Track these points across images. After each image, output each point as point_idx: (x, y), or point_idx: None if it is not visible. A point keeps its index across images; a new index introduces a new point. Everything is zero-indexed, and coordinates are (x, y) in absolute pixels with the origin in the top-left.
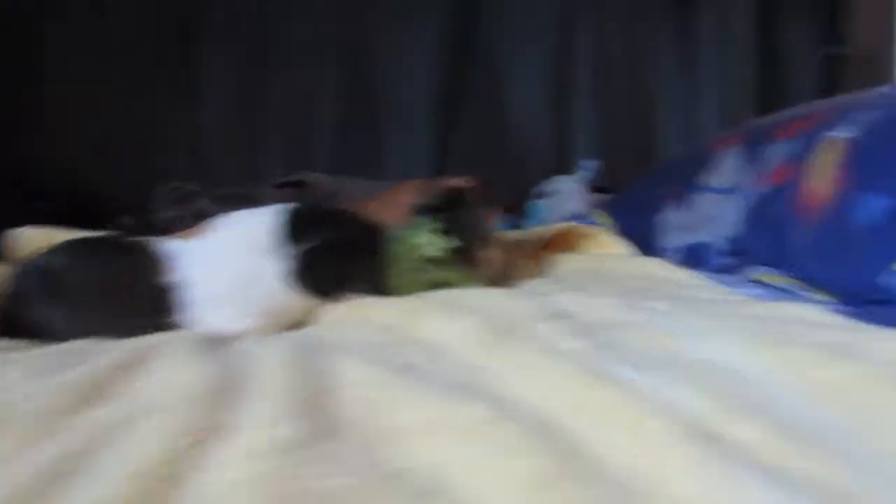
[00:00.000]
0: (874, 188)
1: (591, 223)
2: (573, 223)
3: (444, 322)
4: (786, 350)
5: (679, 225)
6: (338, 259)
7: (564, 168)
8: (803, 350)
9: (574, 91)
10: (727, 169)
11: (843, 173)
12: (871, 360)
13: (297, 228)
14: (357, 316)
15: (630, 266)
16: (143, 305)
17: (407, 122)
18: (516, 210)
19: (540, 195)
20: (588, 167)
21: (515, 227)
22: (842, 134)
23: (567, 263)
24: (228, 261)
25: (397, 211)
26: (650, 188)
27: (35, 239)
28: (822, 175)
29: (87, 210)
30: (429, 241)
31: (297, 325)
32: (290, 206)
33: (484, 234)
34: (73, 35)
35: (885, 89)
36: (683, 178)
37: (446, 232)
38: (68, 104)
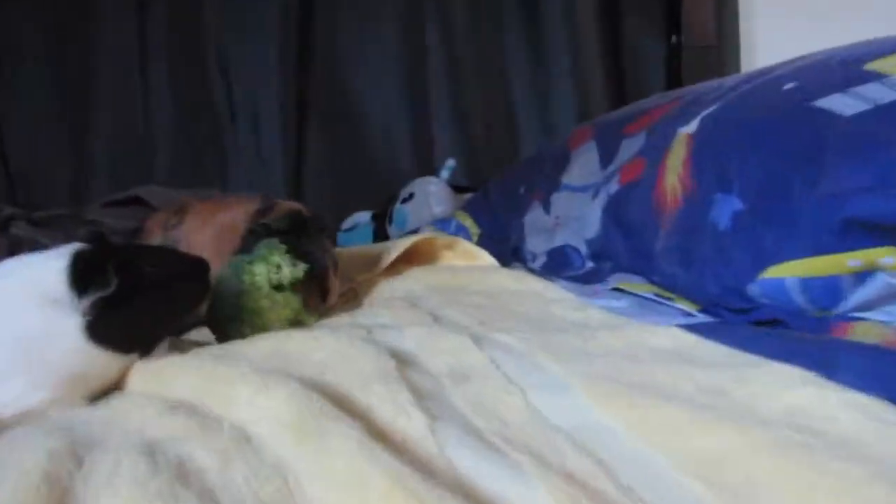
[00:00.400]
0: (723, 188)
1: (456, 226)
2: (429, 234)
3: (257, 396)
4: (655, 410)
5: (543, 227)
6: (144, 303)
7: (427, 168)
8: (679, 408)
9: (428, 89)
10: (583, 165)
11: (690, 171)
12: (756, 419)
13: (90, 271)
14: (152, 384)
15: (485, 280)
16: None
17: (254, 131)
18: (383, 216)
19: (404, 199)
20: (450, 166)
21: (380, 235)
22: (687, 129)
23: (419, 280)
24: (9, 315)
25: (224, 234)
26: (512, 187)
27: None
28: (673, 172)
29: None
30: (274, 268)
31: (110, 388)
32: (79, 245)
33: (333, 260)
34: None
35: (724, 80)
36: (544, 177)
37: (296, 257)
38: None
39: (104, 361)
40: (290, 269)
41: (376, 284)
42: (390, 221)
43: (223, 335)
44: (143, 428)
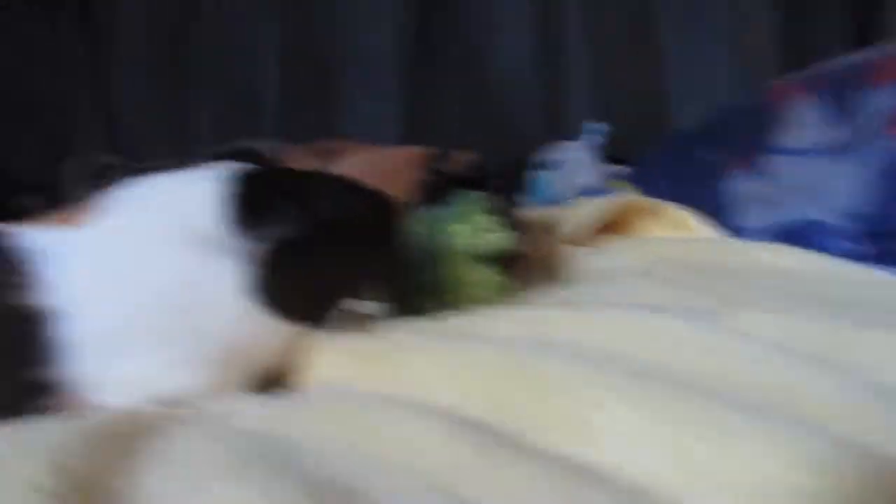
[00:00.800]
0: None
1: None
2: (632, 197)
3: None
4: None
5: (757, 197)
6: (328, 254)
7: (557, 133)
8: None
9: (565, 43)
10: (804, 125)
11: None
12: None
13: (258, 204)
14: (350, 375)
15: (741, 255)
16: None
17: (366, 80)
18: (508, 184)
19: (542, 166)
20: (596, 131)
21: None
22: None
23: (631, 253)
24: (143, 264)
25: (391, 182)
26: (690, 153)
27: None
28: None
29: None
30: (478, 232)
31: (271, 375)
32: (243, 167)
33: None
34: None
35: None
36: (747, 138)
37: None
38: None
39: (270, 331)
40: (496, 236)
41: (563, 255)
42: (522, 190)
43: (397, 307)
44: (433, 467)
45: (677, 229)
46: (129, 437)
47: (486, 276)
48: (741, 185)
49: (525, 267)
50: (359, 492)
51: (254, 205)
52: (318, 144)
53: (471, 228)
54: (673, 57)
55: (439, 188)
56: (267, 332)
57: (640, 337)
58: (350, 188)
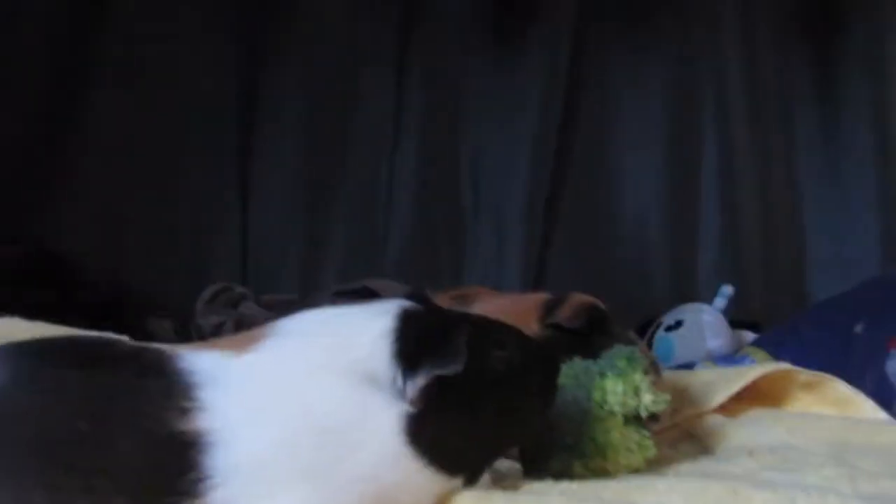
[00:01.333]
0: None
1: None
2: (786, 365)
3: None
4: None
5: None
6: (493, 404)
7: (687, 293)
8: None
9: (698, 202)
10: None
11: None
12: None
13: (419, 341)
14: None
15: None
16: (133, 474)
17: (496, 229)
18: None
19: (668, 326)
20: (727, 293)
21: None
22: None
23: (788, 429)
24: (302, 395)
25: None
26: (839, 323)
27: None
28: None
29: (118, 307)
30: (632, 391)
31: None
32: (405, 303)
33: (656, 370)
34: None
35: None
36: None
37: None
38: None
39: (421, 482)
40: (651, 398)
41: (714, 426)
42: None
43: (536, 466)
44: None
45: (838, 407)
46: None
47: (639, 440)
48: None
49: (671, 434)
50: None
51: (417, 344)
52: (453, 290)
53: (626, 387)
54: (812, 223)
55: (553, 338)
56: (415, 480)
57: None
58: (520, 337)
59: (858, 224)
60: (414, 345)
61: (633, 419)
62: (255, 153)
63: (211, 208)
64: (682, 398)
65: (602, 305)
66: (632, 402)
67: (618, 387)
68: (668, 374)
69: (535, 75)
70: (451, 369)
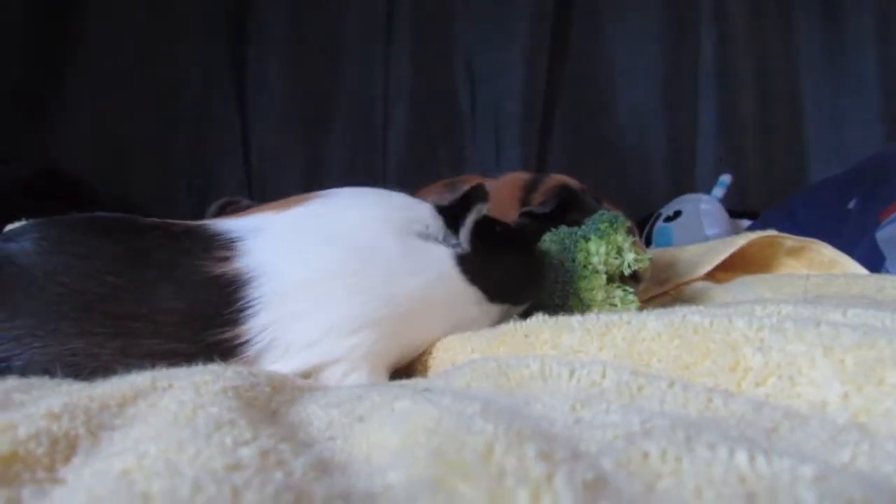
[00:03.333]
0: None
1: None
2: (772, 232)
3: None
4: None
5: None
6: (507, 243)
7: (687, 184)
8: None
9: (695, 91)
10: None
11: None
12: None
13: (454, 206)
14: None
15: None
16: (167, 315)
17: (493, 130)
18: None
19: (668, 217)
20: (725, 183)
21: None
22: None
23: (771, 288)
24: (356, 233)
25: (504, 209)
26: (832, 202)
27: None
28: None
29: None
30: (614, 250)
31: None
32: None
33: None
34: (105, 33)
35: None
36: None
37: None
38: (103, 106)
39: (484, 310)
40: (633, 257)
41: (702, 290)
42: (648, 242)
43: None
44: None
45: (824, 269)
46: (292, 387)
47: (622, 295)
48: (893, 233)
49: (661, 300)
50: (514, 408)
51: (451, 208)
52: (445, 180)
53: (609, 247)
54: (811, 108)
55: (528, 224)
56: (477, 307)
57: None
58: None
59: (858, 105)
60: (453, 211)
61: (618, 277)
62: (249, 70)
63: (210, 128)
64: (673, 269)
65: (572, 183)
66: (615, 261)
67: (600, 248)
68: (662, 250)
69: None
70: (484, 204)
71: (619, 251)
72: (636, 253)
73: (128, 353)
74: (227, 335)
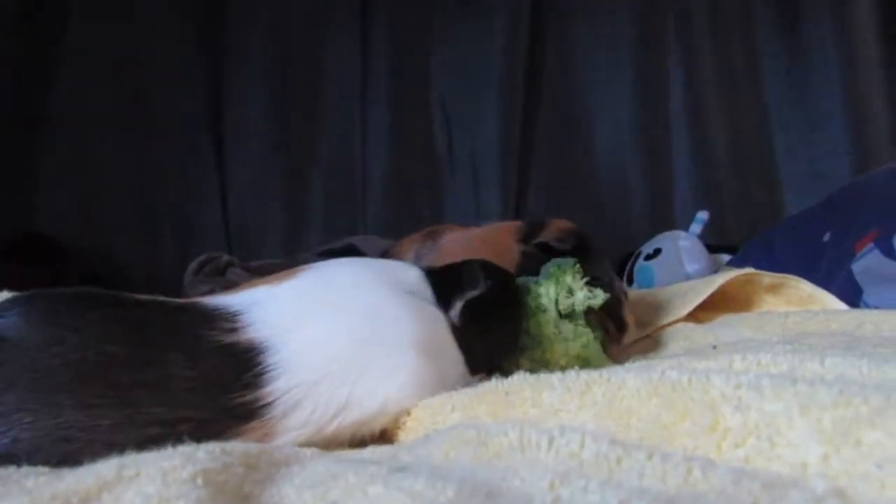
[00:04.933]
0: None
1: None
2: (749, 269)
3: None
4: None
5: (890, 276)
6: (494, 318)
7: (665, 222)
8: None
9: (668, 131)
10: None
11: None
12: None
13: (447, 276)
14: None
15: (884, 322)
16: (186, 380)
17: (471, 173)
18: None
19: (648, 255)
20: (702, 219)
21: None
22: None
23: (753, 328)
24: (354, 295)
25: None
26: (808, 235)
27: None
28: None
29: (108, 284)
30: (564, 291)
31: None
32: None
33: (622, 289)
34: (78, 85)
35: None
36: (867, 218)
37: (588, 281)
38: (78, 160)
39: (461, 375)
40: (583, 294)
41: (683, 332)
42: (630, 281)
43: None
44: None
45: (803, 305)
46: (268, 463)
47: (574, 330)
48: (869, 264)
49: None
50: (491, 486)
51: (443, 279)
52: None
53: (558, 288)
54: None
55: (539, 258)
56: (460, 373)
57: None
58: (496, 268)
59: (827, 137)
60: (443, 280)
61: (572, 316)
62: (227, 121)
63: (188, 180)
64: (655, 311)
65: (579, 229)
66: (566, 300)
67: (549, 289)
68: (643, 292)
69: (500, 13)
70: (473, 291)
71: (570, 291)
72: (589, 291)
73: (133, 423)
74: (248, 398)
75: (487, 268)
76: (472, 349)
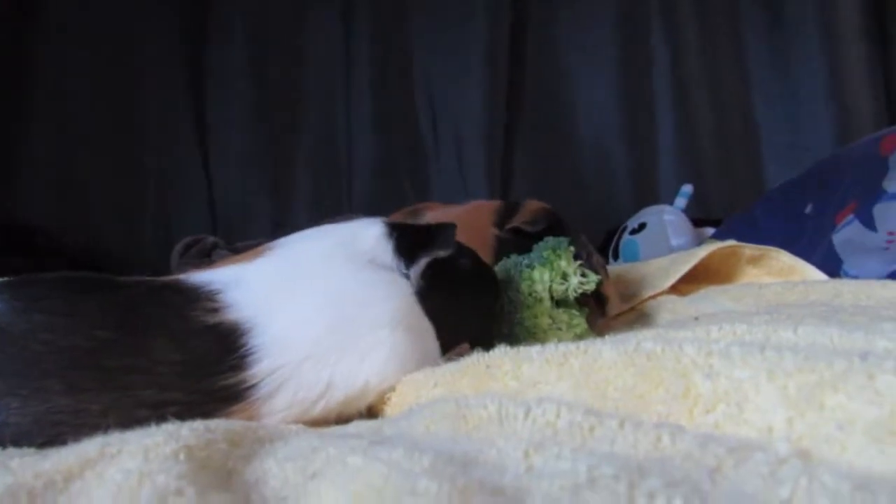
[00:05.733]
0: None
1: None
2: (731, 242)
3: None
4: None
5: (871, 246)
6: (461, 291)
7: (649, 197)
8: None
9: (652, 107)
10: None
11: None
12: None
13: (412, 238)
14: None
15: (862, 292)
16: (173, 363)
17: (456, 155)
18: (602, 250)
19: (633, 229)
20: (687, 193)
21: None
22: None
23: (734, 299)
24: (324, 273)
25: (474, 238)
26: (790, 207)
27: None
28: None
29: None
30: (559, 277)
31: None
32: (375, 219)
33: (602, 265)
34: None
35: None
36: (847, 189)
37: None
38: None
39: (434, 344)
40: (577, 281)
41: (666, 304)
42: (616, 256)
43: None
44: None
45: (783, 276)
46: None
47: (568, 319)
48: (849, 235)
49: (627, 316)
50: (467, 457)
51: (416, 239)
52: (406, 208)
53: (553, 274)
54: (764, 115)
55: (511, 242)
56: (433, 343)
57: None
58: (469, 250)
59: (810, 111)
60: (409, 240)
61: (564, 301)
62: (210, 105)
63: (172, 167)
64: (638, 284)
65: (553, 210)
66: (560, 287)
67: (544, 275)
68: (627, 266)
69: None
70: (445, 252)
71: (565, 276)
72: (584, 275)
73: (122, 407)
74: (232, 380)
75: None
76: (440, 319)
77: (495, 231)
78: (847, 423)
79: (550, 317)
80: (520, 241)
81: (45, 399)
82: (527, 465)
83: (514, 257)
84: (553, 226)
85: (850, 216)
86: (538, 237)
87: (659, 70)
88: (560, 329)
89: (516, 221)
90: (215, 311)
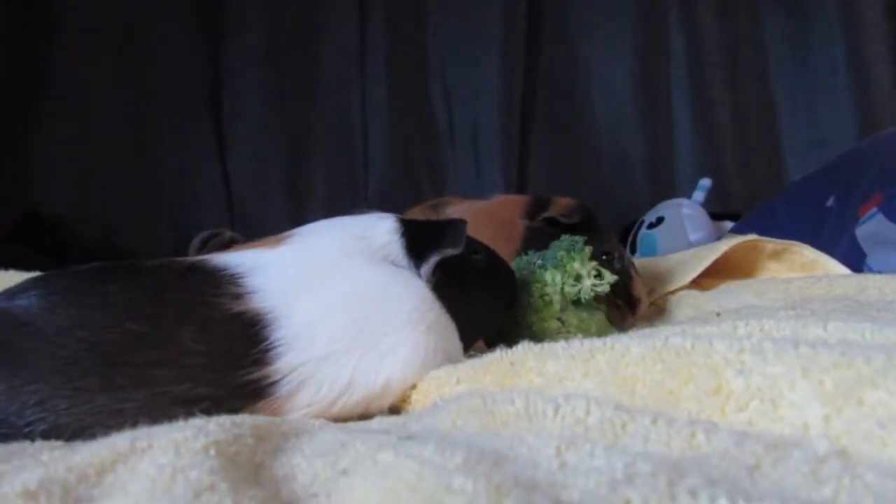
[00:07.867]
0: None
1: None
2: (752, 236)
3: None
4: None
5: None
6: (474, 289)
7: (666, 191)
8: None
9: (670, 99)
10: None
11: None
12: None
13: (423, 234)
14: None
15: (886, 287)
16: (196, 357)
17: (473, 146)
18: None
19: (650, 224)
20: (705, 186)
21: None
22: None
23: (757, 293)
24: (341, 268)
25: (501, 230)
26: (812, 201)
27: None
28: None
29: None
30: (571, 279)
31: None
32: (387, 214)
33: (632, 263)
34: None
35: None
36: (870, 183)
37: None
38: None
39: (456, 343)
40: (591, 282)
41: (687, 299)
42: (633, 250)
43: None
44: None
45: (805, 271)
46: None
47: (578, 322)
48: (873, 229)
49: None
50: (499, 454)
51: (427, 236)
52: (428, 202)
53: (565, 276)
54: (784, 107)
55: (544, 233)
56: (454, 336)
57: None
58: (486, 247)
59: (829, 101)
60: (419, 237)
61: (577, 303)
62: (226, 98)
63: (189, 163)
64: (658, 279)
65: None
66: (571, 289)
67: (556, 277)
68: (646, 261)
69: None
70: (455, 249)
71: (578, 278)
72: (599, 276)
73: (154, 404)
74: (256, 375)
75: (475, 241)
76: (458, 309)
77: (525, 222)
78: (888, 420)
79: (559, 320)
80: (552, 233)
81: (86, 398)
82: (559, 462)
83: (528, 255)
84: (587, 220)
85: (874, 209)
86: (571, 230)
87: (677, 61)
88: (570, 333)
89: (553, 213)
90: (239, 297)
